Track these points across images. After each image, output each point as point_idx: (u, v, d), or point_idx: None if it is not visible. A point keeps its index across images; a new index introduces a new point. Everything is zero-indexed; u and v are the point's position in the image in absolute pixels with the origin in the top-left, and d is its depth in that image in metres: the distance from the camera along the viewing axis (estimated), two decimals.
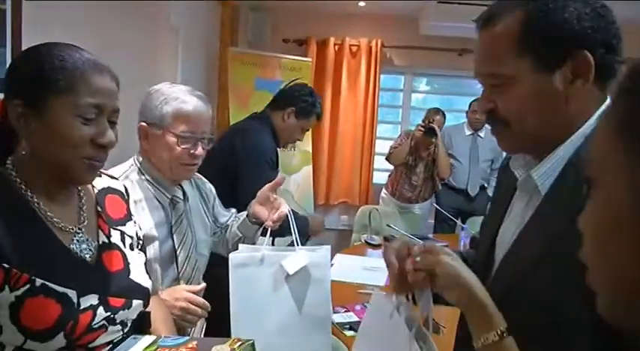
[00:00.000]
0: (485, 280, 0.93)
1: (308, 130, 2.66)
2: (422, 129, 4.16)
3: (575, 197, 0.75)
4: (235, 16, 4.99)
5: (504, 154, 1.14)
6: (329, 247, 1.54)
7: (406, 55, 5.25)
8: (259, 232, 1.72)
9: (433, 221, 4.54)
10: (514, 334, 0.84)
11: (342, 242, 4.70)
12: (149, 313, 1.16)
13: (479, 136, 4.47)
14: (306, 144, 4.75)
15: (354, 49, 5.14)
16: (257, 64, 4.39)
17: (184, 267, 1.62)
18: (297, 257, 1.47)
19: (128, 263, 1.12)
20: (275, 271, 1.46)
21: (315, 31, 5.13)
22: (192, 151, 1.55)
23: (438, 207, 3.97)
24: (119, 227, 1.15)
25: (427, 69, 5.42)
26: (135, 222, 1.23)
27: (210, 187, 1.87)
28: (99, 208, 1.13)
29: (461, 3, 4.16)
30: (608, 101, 0.84)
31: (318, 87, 5.10)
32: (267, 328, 1.44)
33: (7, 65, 1.02)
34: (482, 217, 4.50)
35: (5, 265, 0.90)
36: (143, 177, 1.57)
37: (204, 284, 1.53)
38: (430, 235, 3.73)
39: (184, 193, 1.68)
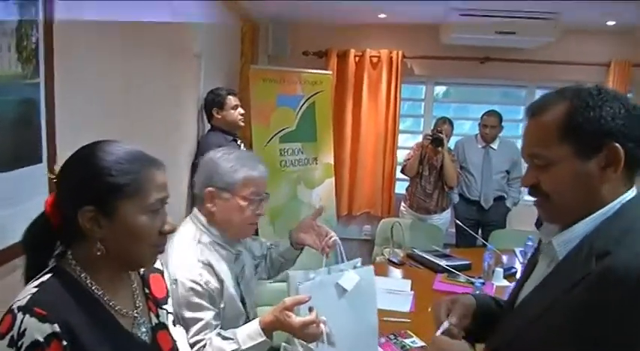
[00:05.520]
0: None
1: None
2: (429, 138, 4.24)
3: (577, 271, 0.96)
4: (256, 30, 5.02)
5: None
6: (371, 267, 1.79)
7: (427, 65, 5.23)
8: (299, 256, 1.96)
9: (454, 231, 4.52)
10: None
11: (365, 253, 4.73)
12: None
13: (491, 148, 4.49)
14: (328, 156, 4.78)
15: (375, 60, 5.13)
16: (278, 80, 4.38)
17: (250, 311, 1.78)
18: (350, 275, 1.67)
19: (175, 341, 1.20)
20: (332, 289, 1.64)
21: (336, 43, 5.13)
22: (257, 212, 1.71)
23: (458, 221, 3.96)
24: (164, 306, 1.22)
25: (448, 78, 5.41)
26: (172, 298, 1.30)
27: None
28: (146, 290, 1.20)
29: (483, 15, 4.13)
30: (633, 188, 1.01)
31: (339, 99, 5.13)
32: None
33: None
34: (501, 229, 4.47)
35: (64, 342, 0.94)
36: (210, 238, 1.69)
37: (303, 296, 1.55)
38: (447, 251, 3.70)
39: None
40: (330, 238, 1.80)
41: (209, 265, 1.62)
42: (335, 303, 1.64)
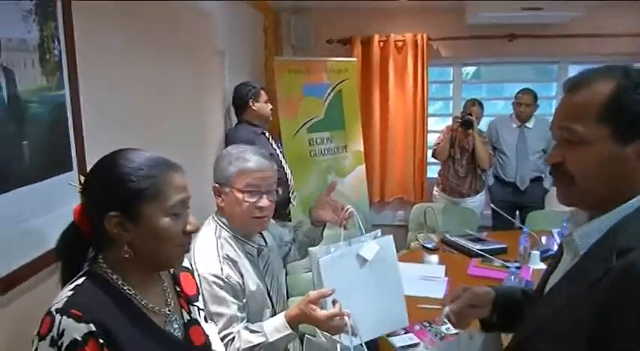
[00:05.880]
0: None
1: None
2: (458, 121, 4.20)
3: (599, 265, 0.91)
4: (278, 21, 5.03)
5: None
6: (391, 236, 1.80)
7: (453, 46, 5.13)
8: (323, 232, 2.00)
9: (490, 212, 4.45)
10: None
11: (399, 239, 4.70)
12: None
13: (526, 127, 4.38)
14: (357, 144, 4.76)
15: (400, 44, 5.06)
16: (303, 70, 4.35)
17: (277, 304, 1.81)
18: (370, 245, 1.70)
19: (207, 336, 1.26)
20: (353, 260, 1.68)
21: (359, 30, 5.08)
22: (258, 204, 1.70)
23: (493, 206, 3.89)
24: (195, 303, 1.28)
25: (476, 58, 5.29)
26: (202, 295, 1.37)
27: None
28: (177, 288, 1.26)
29: None
30: None
31: (365, 86, 5.10)
32: (355, 306, 1.59)
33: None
34: (539, 210, 4.30)
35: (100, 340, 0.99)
36: (229, 233, 1.74)
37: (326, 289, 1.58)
38: (483, 235, 3.64)
39: (264, 239, 1.87)
40: (347, 211, 1.83)
41: (229, 260, 1.66)
42: (357, 273, 1.67)
